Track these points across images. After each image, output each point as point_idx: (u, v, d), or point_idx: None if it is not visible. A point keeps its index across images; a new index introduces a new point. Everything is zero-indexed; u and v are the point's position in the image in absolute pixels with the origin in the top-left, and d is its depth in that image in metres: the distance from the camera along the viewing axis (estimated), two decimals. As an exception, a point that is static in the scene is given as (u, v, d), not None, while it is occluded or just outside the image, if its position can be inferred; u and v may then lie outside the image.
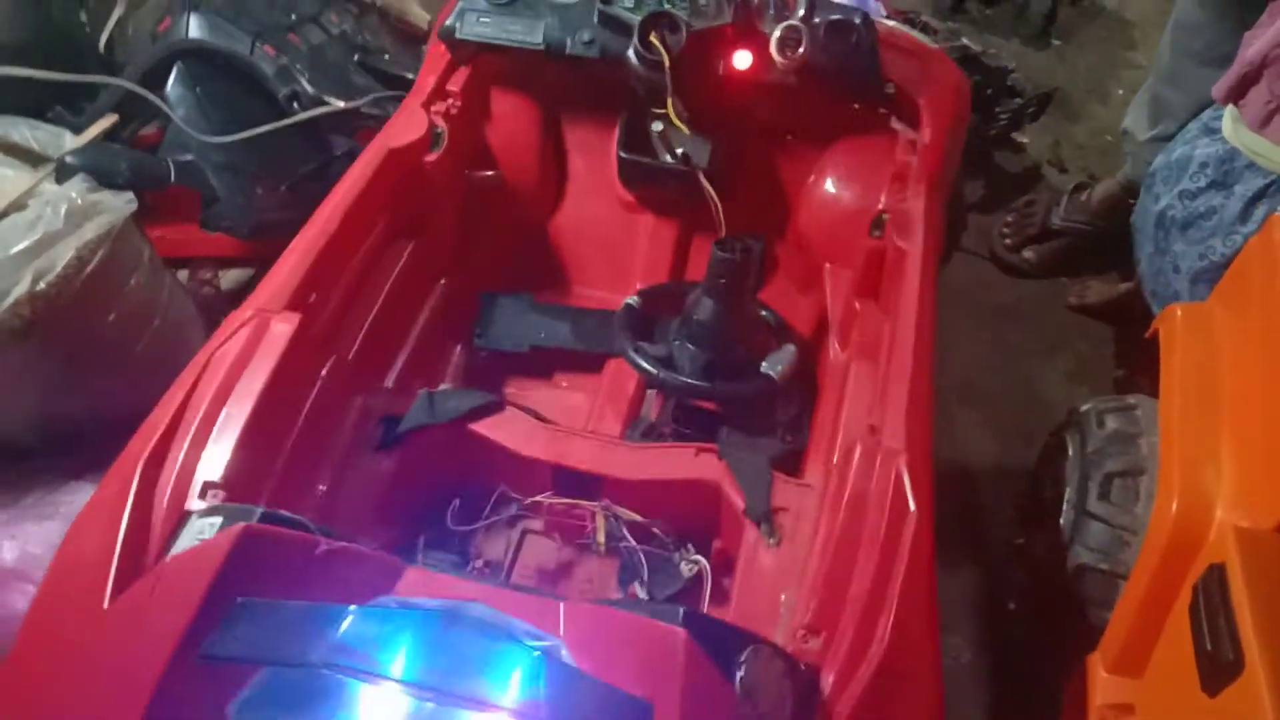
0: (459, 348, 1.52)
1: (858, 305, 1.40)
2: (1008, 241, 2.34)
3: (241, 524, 0.82)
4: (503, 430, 1.20)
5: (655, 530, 1.16)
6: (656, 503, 1.17)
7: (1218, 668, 0.92)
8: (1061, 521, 1.36)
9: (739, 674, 0.81)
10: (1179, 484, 1.14)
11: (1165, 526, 1.11)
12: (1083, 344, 2.16)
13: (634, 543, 1.16)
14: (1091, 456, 1.36)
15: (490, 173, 1.55)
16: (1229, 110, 1.61)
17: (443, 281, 1.51)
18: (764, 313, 1.46)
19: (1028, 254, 2.31)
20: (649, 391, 1.42)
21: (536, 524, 1.24)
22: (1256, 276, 1.25)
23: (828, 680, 0.85)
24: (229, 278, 1.91)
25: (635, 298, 1.44)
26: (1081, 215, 2.27)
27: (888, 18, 2.25)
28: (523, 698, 0.69)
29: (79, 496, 1.57)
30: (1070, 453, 1.42)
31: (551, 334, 1.51)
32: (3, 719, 0.84)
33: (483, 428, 1.20)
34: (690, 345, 1.36)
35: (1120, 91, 2.75)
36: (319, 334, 1.17)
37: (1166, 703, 1.08)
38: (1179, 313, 1.35)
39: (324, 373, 1.15)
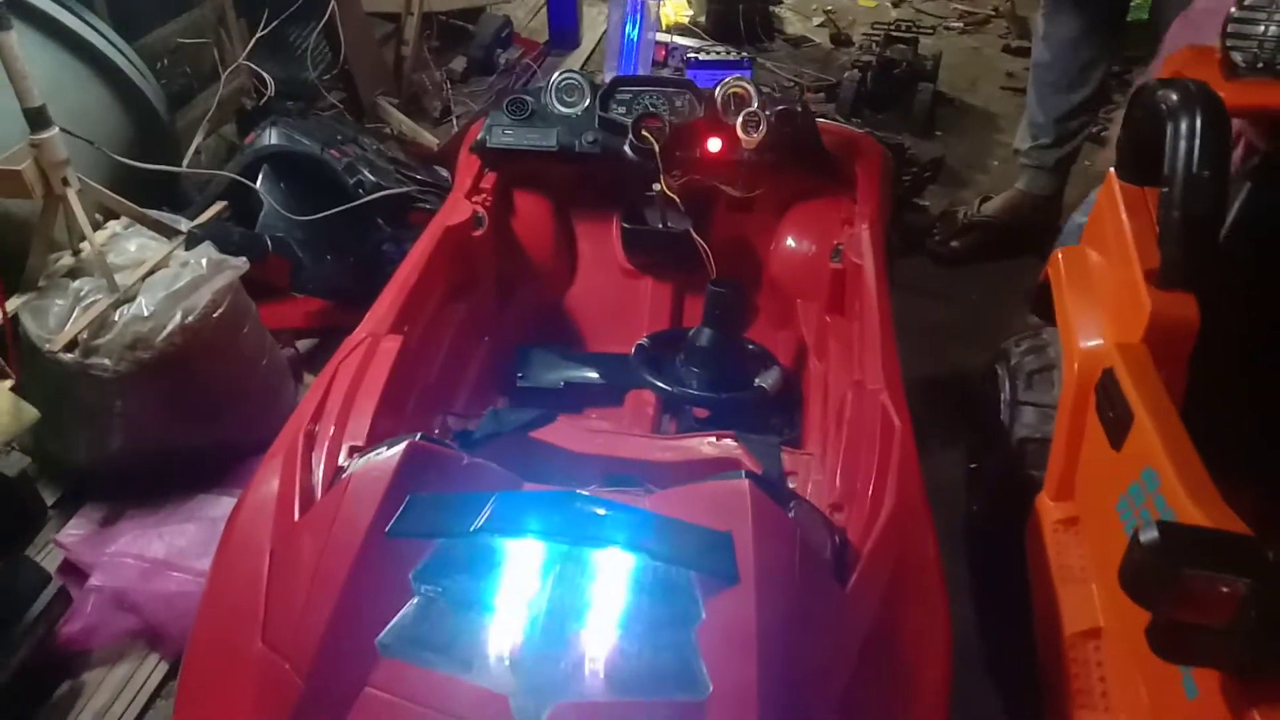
0: (501, 398, 1.83)
1: (828, 319, 1.76)
2: (937, 239, 2.92)
3: (409, 439, 1.01)
4: (560, 435, 1.42)
5: None
6: (689, 481, 1.42)
7: (1118, 426, 1.33)
8: (1001, 417, 1.79)
9: (790, 514, 1.00)
10: (1078, 352, 1.58)
11: (1072, 377, 1.55)
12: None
13: None
14: (1015, 367, 1.80)
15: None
16: None
17: (486, 339, 1.83)
18: (751, 346, 1.83)
19: (954, 244, 2.90)
20: (664, 416, 1.74)
21: None
22: (1106, 215, 1.74)
23: (852, 537, 1.10)
24: (302, 344, 2.29)
25: (645, 339, 1.79)
26: (991, 212, 2.89)
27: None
28: (630, 536, 0.90)
29: (208, 506, 1.87)
30: (1000, 373, 1.86)
31: (581, 373, 1.84)
32: (218, 611, 1.05)
33: (543, 435, 1.41)
34: (695, 369, 1.71)
35: (995, 163, 3.36)
36: (411, 358, 1.41)
37: (1092, 493, 1.48)
38: (1060, 255, 1.83)
39: (416, 390, 1.41)
